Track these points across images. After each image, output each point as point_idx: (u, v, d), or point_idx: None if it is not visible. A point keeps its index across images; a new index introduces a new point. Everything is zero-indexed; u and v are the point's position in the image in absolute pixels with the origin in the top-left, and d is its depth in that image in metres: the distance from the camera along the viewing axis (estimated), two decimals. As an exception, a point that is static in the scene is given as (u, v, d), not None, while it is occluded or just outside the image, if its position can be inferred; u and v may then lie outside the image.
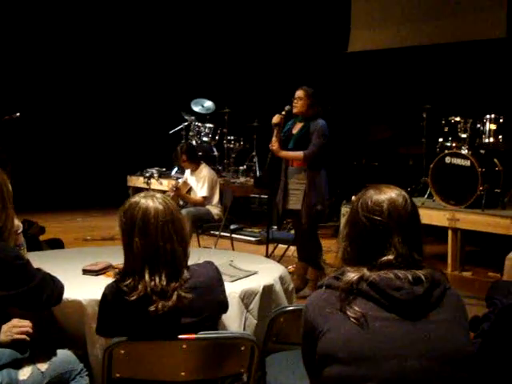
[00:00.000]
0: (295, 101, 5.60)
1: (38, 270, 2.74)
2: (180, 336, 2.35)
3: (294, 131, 5.68)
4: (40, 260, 3.94)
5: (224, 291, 2.57)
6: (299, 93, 5.59)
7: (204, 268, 2.54)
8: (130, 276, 2.37)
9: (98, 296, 2.53)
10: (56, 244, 5.61)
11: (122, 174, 10.52)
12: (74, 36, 11.23)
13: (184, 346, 2.36)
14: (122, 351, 2.34)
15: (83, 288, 3.16)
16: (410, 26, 9.70)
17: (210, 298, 2.47)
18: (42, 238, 5.64)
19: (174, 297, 2.33)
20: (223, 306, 2.58)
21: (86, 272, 3.45)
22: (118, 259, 2.53)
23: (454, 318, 1.88)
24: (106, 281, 2.73)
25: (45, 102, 11.04)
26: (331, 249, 6.37)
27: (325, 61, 10.31)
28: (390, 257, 1.88)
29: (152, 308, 2.31)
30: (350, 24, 10.50)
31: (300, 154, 5.53)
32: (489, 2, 8.82)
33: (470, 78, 8.56)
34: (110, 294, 2.43)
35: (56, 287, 2.77)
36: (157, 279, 2.34)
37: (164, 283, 2.34)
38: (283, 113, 5.68)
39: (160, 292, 2.33)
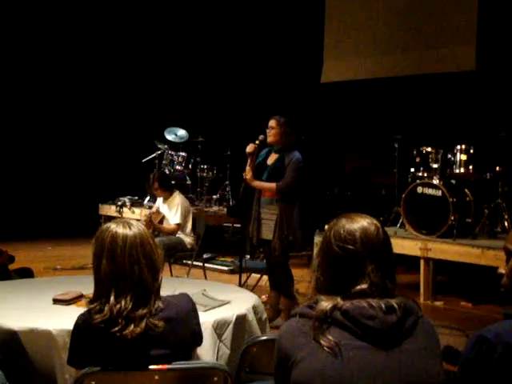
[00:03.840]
0: (268, 130, 5.62)
1: None
2: (152, 366, 2.32)
3: (269, 162, 5.67)
4: (9, 290, 3.89)
5: (199, 324, 2.55)
6: (271, 122, 5.61)
7: (179, 300, 2.53)
8: (98, 299, 2.38)
9: (69, 326, 2.49)
10: (26, 273, 5.51)
11: (94, 203, 10.44)
12: (39, 67, 11.18)
13: (156, 377, 2.33)
14: (93, 382, 2.30)
15: (53, 318, 3.11)
16: (382, 58, 9.85)
17: (184, 331, 2.45)
18: (11, 267, 5.55)
19: (143, 324, 2.32)
20: (197, 338, 2.56)
21: (56, 301, 3.40)
22: (89, 289, 2.50)
23: (426, 347, 1.88)
24: (76, 310, 2.69)
25: (14, 129, 10.96)
26: (304, 278, 6.36)
27: (298, 91, 10.40)
28: (364, 286, 1.88)
29: (117, 329, 2.30)
30: (322, 55, 10.63)
31: (273, 185, 5.53)
32: (459, 36, 9.00)
33: (441, 110, 8.70)
34: (82, 323, 2.40)
35: None
36: (122, 302, 2.34)
37: (130, 306, 2.33)
38: (257, 142, 5.69)
39: (126, 316, 2.32)
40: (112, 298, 2.34)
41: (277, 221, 5.52)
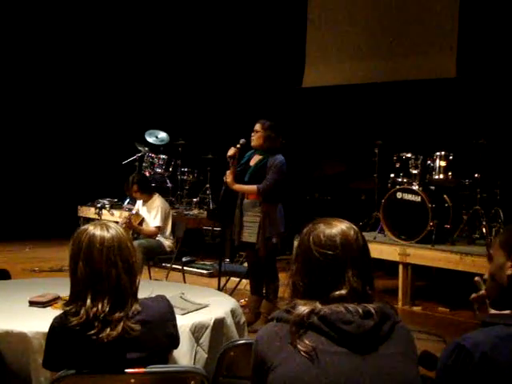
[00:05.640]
0: (253, 134, 5.63)
1: None
2: (128, 370, 2.30)
3: (252, 163, 5.69)
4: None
5: (176, 326, 2.54)
6: (257, 126, 5.63)
7: (156, 302, 2.51)
8: (74, 302, 2.36)
9: (45, 328, 2.47)
10: (2, 275, 5.47)
11: (73, 204, 10.36)
12: (22, 69, 11.10)
13: (132, 381, 2.31)
14: (68, 385, 2.28)
15: (29, 320, 3.08)
16: (363, 63, 9.89)
17: (160, 333, 2.43)
18: (-13, 268, 5.50)
19: (120, 327, 2.30)
20: (174, 341, 2.55)
21: (32, 304, 3.37)
22: (66, 291, 2.48)
23: (403, 352, 1.89)
24: (53, 313, 2.67)
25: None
26: (284, 282, 6.36)
27: (279, 95, 10.41)
28: (343, 291, 1.88)
29: (93, 332, 2.27)
30: (304, 60, 10.65)
31: (254, 188, 5.53)
32: (440, 43, 9.07)
33: (421, 116, 8.75)
34: (58, 325, 2.38)
35: None
36: (99, 305, 2.32)
37: (106, 309, 2.31)
38: (238, 145, 5.69)
39: (103, 319, 2.30)
40: (88, 301, 2.32)
41: (260, 223, 5.52)
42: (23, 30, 11.01)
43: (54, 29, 11.20)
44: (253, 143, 5.65)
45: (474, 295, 2.14)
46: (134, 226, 6.86)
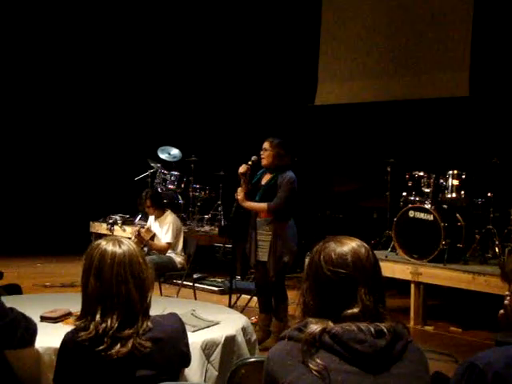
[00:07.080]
0: (262, 152, 5.62)
1: (11, 309, 2.75)
2: (139, 388, 2.30)
3: (263, 182, 5.68)
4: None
5: (187, 344, 2.53)
6: (265, 144, 5.61)
7: (168, 320, 2.50)
8: (84, 317, 2.37)
9: (56, 344, 2.47)
10: (13, 290, 5.46)
11: (85, 220, 10.40)
12: (26, 84, 11.19)
13: (142, 398, 2.31)
14: (78, 402, 2.28)
15: (40, 336, 3.07)
16: (375, 82, 9.90)
17: (172, 351, 2.42)
18: (-1, 283, 5.51)
19: (130, 344, 2.30)
20: (186, 359, 2.54)
21: (43, 319, 3.37)
22: (77, 306, 2.48)
23: (415, 372, 1.87)
24: (64, 328, 2.67)
25: (3, 145, 10.92)
26: (295, 300, 6.33)
27: (292, 113, 10.44)
28: (355, 310, 1.87)
29: (102, 348, 2.27)
30: (317, 78, 10.68)
31: (264, 205, 5.52)
32: (453, 62, 9.07)
33: (434, 134, 8.73)
34: (69, 341, 2.37)
35: (30, 326, 2.76)
36: (108, 321, 2.31)
37: (115, 325, 2.31)
38: (250, 163, 5.69)
39: (112, 336, 2.29)
40: (98, 317, 2.32)
41: (271, 241, 5.50)
42: (40, 52, 11.12)
43: (69, 46, 11.30)
44: (263, 162, 5.64)
45: (502, 311, 2.12)
46: (144, 240, 6.87)
